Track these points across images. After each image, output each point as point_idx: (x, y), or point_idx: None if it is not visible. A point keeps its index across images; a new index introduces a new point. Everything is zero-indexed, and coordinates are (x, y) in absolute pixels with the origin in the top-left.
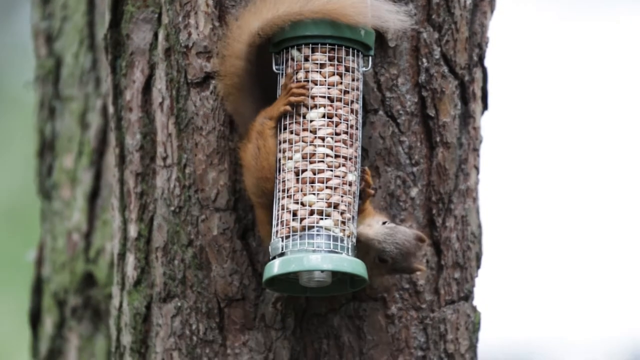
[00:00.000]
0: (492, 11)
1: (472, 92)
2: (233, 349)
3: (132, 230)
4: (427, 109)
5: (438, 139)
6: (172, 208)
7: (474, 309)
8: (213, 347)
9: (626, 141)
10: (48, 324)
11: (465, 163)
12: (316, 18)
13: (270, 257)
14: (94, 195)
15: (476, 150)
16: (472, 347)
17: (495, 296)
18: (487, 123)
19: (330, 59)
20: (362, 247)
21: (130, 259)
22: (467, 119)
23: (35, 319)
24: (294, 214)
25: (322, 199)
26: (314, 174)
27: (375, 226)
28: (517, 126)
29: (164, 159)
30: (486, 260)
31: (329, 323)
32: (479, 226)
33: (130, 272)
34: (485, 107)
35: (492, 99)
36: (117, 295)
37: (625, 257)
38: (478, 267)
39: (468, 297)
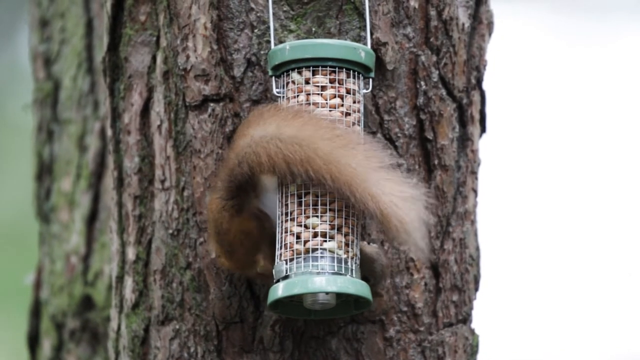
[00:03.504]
0: (490, 34)
1: (470, 115)
2: None
3: (130, 253)
4: (425, 132)
5: (436, 161)
6: (171, 231)
7: (472, 331)
8: None
9: (627, 164)
10: (46, 346)
11: (463, 186)
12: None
13: (274, 280)
14: (92, 218)
15: (474, 173)
16: None
17: (493, 319)
18: (485, 146)
19: (332, 81)
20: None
21: (129, 281)
22: (465, 142)
23: (33, 342)
24: (298, 237)
25: (326, 222)
26: (317, 196)
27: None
28: (515, 149)
29: (162, 181)
30: (484, 283)
31: (327, 346)
32: (477, 249)
33: (129, 295)
34: (483, 129)
35: (490, 122)
36: (115, 318)
37: (625, 280)
38: (476, 289)
39: (466, 319)
